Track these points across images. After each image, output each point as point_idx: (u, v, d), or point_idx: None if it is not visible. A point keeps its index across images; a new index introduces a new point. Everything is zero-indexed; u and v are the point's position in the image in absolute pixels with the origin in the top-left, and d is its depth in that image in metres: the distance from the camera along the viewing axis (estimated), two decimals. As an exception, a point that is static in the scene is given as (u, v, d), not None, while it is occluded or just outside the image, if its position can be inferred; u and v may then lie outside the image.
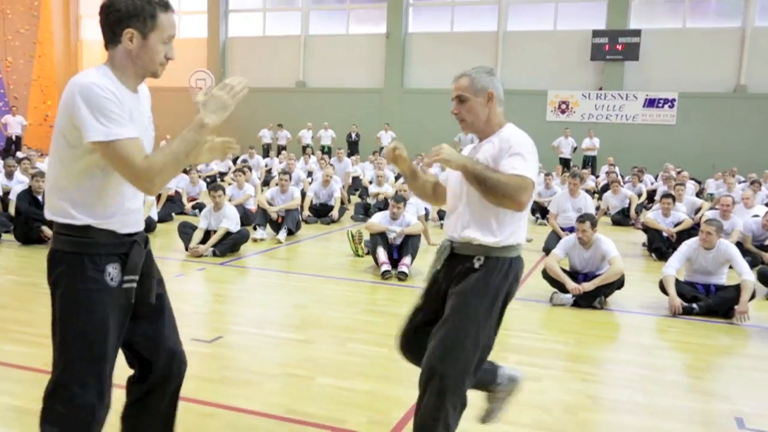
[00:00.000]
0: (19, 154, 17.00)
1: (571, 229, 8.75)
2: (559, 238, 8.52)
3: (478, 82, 2.95)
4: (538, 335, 5.38)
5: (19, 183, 10.55)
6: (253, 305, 6.15)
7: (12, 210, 9.21)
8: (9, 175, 11.13)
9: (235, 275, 7.45)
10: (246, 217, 9.62)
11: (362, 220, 11.11)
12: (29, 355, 4.59)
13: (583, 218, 6.46)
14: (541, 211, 11.87)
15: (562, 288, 6.26)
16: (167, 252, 8.47)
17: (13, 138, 21.57)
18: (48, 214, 2.49)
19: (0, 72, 25.16)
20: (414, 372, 4.38)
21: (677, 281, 6.22)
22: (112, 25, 2.50)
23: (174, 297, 5.70)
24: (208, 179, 15.42)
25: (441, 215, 11.21)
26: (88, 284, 2.44)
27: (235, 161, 19.80)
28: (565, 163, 19.27)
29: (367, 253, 8.17)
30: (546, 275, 6.41)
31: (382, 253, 7.30)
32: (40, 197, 8.85)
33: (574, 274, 6.41)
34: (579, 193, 9.47)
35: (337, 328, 5.39)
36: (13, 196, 9.44)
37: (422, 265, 7.82)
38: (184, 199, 12.05)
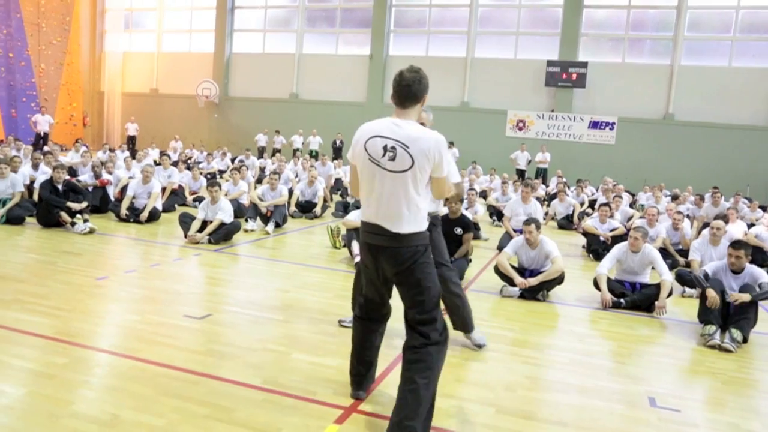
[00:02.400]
0: (45, 149, 16.69)
1: (522, 231, 8.80)
2: (511, 238, 8.57)
3: None
4: (487, 322, 5.36)
5: (43, 173, 10.35)
6: (241, 288, 6.06)
7: (36, 197, 9.03)
8: (35, 167, 10.90)
9: (227, 261, 7.34)
10: (239, 210, 9.50)
11: (341, 217, 11.05)
12: (42, 324, 4.49)
13: (529, 221, 6.46)
14: (497, 214, 11.89)
15: (510, 282, 6.25)
16: (169, 238, 8.35)
17: (42, 134, 21.20)
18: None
19: (33, 77, 24.75)
20: (379, 352, 4.35)
21: (608, 279, 6.24)
22: (423, 90, 3.17)
23: (171, 278, 5.65)
24: (208, 176, 15.25)
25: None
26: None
27: (233, 161, 19.64)
28: (521, 173, 19.33)
29: (344, 246, 8.11)
30: (497, 270, 6.39)
31: (356, 246, 7.21)
32: (59, 186, 8.69)
33: (522, 271, 6.41)
34: (530, 200, 9.48)
35: (312, 310, 5.33)
36: (37, 185, 9.26)
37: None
38: (186, 193, 11.90)
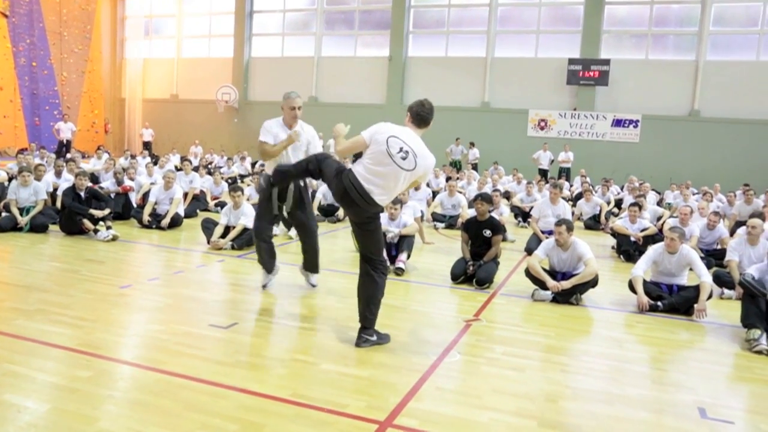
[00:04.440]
0: (68, 156, 16.79)
1: (551, 233, 8.53)
2: (539, 240, 8.34)
3: None
4: (521, 328, 5.17)
5: (66, 181, 10.36)
6: (265, 295, 5.92)
7: (59, 204, 9.02)
8: (58, 174, 10.93)
9: (250, 267, 7.22)
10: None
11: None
12: (66, 335, 4.40)
13: (560, 222, 6.25)
14: (522, 215, 11.66)
15: (542, 285, 6.04)
16: (191, 244, 8.26)
17: (64, 142, 21.37)
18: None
19: (56, 85, 25.00)
20: (408, 360, 4.20)
21: (644, 281, 6.01)
22: (430, 116, 4.37)
23: (195, 285, 5.53)
24: (229, 180, 15.20)
25: (435, 217, 10.99)
26: None
27: (253, 165, 19.60)
28: (543, 173, 19.05)
29: (369, 250, 7.96)
30: (528, 274, 6.19)
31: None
32: (82, 193, 8.65)
33: (553, 273, 6.20)
34: (559, 201, 9.24)
35: (339, 318, 5.17)
36: (60, 192, 9.25)
37: (417, 261, 7.62)
38: (208, 198, 11.83)
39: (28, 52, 23.72)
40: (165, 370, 3.83)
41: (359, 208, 4.27)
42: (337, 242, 9.17)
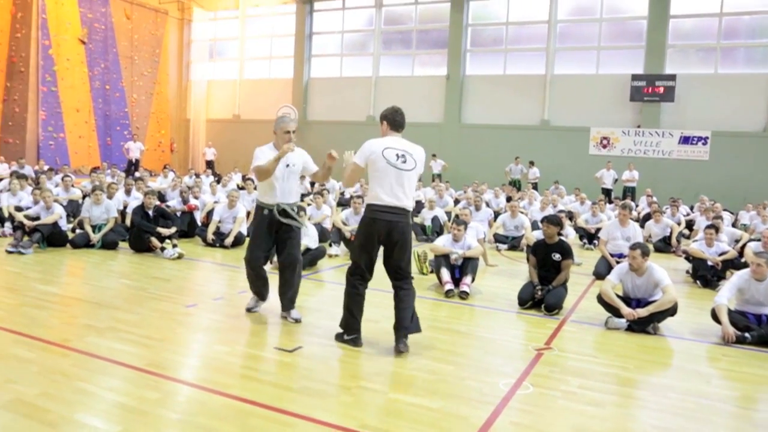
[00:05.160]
0: (137, 174, 17.35)
1: (620, 256, 8.18)
2: (608, 263, 7.98)
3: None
4: (596, 359, 4.88)
5: (135, 199, 10.63)
6: (330, 317, 5.80)
7: (128, 222, 9.24)
8: (127, 192, 11.24)
9: (313, 288, 7.17)
10: (323, 235, 9.36)
11: (424, 240, 10.73)
12: (134, 354, 4.41)
13: (635, 246, 5.91)
14: (588, 236, 11.25)
15: (616, 312, 5.72)
16: (255, 264, 8.29)
17: (133, 161, 22.15)
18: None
19: (126, 106, 26.05)
20: (478, 390, 4.00)
21: (729, 310, 5.60)
22: (404, 120, 4.84)
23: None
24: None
25: (497, 238, 10.71)
26: None
27: (312, 185, 19.74)
28: (607, 193, 18.42)
29: (431, 272, 7.79)
30: (601, 300, 5.87)
31: (445, 273, 6.90)
32: (150, 212, 8.84)
33: (627, 300, 5.87)
34: (628, 222, 8.83)
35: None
36: (129, 210, 9.48)
37: (480, 284, 7.39)
38: (271, 217, 11.91)
39: (102, 75, 24.83)
40: (232, 395, 3.76)
41: (403, 224, 4.60)
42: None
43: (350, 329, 4.83)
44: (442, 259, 7.00)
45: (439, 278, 7.00)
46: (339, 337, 4.89)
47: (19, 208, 9.54)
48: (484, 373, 4.41)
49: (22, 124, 22.44)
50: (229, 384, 3.94)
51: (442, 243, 7.19)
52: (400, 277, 4.73)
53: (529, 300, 6.31)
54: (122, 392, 3.76)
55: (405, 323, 4.67)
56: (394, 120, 4.75)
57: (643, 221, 13.17)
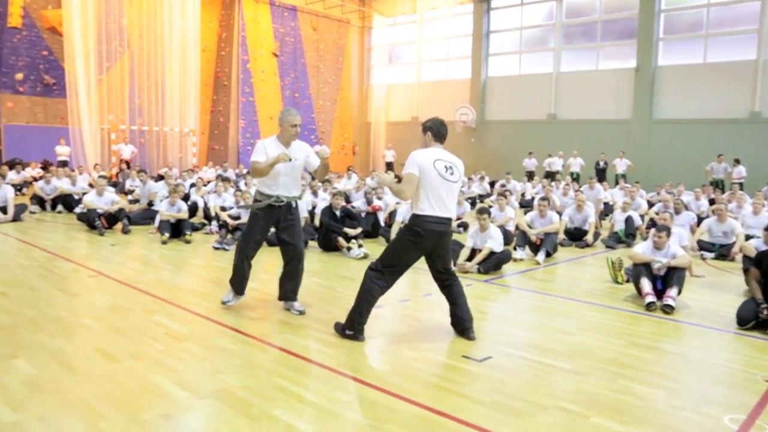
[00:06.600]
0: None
1: None
2: None
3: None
4: None
5: (322, 200, 11.15)
6: (518, 326, 5.52)
7: (317, 222, 9.69)
8: (314, 193, 11.84)
9: (498, 293, 6.90)
10: (506, 238, 9.03)
11: (613, 247, 9.93)
12: (326, 354, 4.50)
13: None
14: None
15: None
16: (437, 266, 8.21)
17: (318, 164, 23.48)
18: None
19: (313, 113, 27.81)
20: (700, 424, 3.46)
21: None
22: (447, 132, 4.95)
23: (445, 310, 5.33)
24: (469, 200, 15.14)
25: (702, 245, 9.55)
26: None
27: (492, 185, 19.40)
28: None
29: (627, 281, 7.12)
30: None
31: (646, 284, 6.22)
32: (337, 212, 9.17)
33: None
34: None
35: (604, 360, 4.56)
36: (317, 211, 9.94)
37: (687, 297, 6.59)
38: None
39: (291, 85, 26.76)
40: (421, 404, 3.64)
41: (450, 233, 4.83)
42: (585, 269, 8.42)
43: (352, 327, 4.83)
44: (642, 268, 6.33)
45: (638, 289, 6.35)
46: (341, 330, 4.91)
47: (223, 208, 10.45)
48: (704, 403, 3.83)
49: (225, 132, 24.94)
50: (418, 392, 3.84)
51: (642, 250, 6.50)
52: (446, 275, 4.97)
53: (751, 320, 5.45)
54: (316, 392, 3.81)
55: (470, 316, 4.98)
56: (438, 132, 4.81)
57: None
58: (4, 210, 11.17)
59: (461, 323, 4.94)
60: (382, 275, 4.78)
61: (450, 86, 27.43)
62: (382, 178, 4.90)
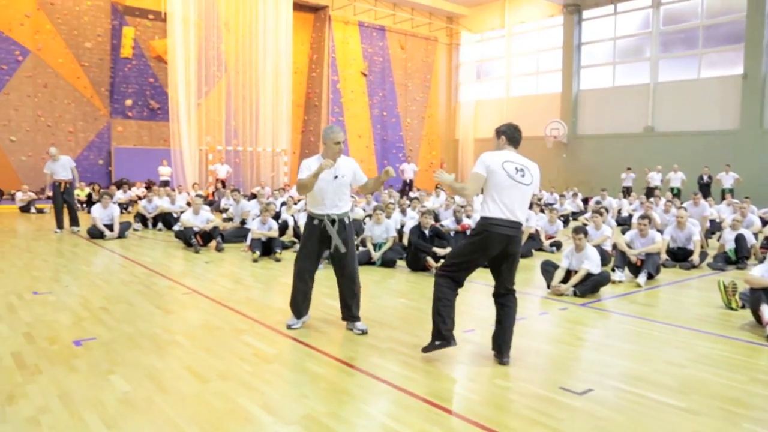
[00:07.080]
0: (411, 194, 18.27)
1: None
2: None
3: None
4: None
5: (411, 218, 11.03)
6: (620, 356, 5.09)
7: (405, 241, 9.57)
8: (403, 212, 11.74)
9: (595, 318, 6.45)
10: (603, 259, 8.51)
11: (721, 269, 9.14)
12: (412, 380, 4.31)
13: None
14: None
15: None
16: (530, 288, 7.83)
17: (407, 181, 23.52)
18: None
19: (401, 130, 27.95)
20: None
21: None
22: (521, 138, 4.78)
23: (539, 336, 4.99)
24: (562, 218, 14.53)
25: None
26: None
27: (585, 201, 18.61)
28: None
29: (742, 307, 6.47)
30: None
31: (766, 311, 5.61)
32: (426, 231, 9.00)
33: None
34: None
35: (723, 398, 4.08)
36: (406, 230, 9.82)
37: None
38: (542, 237, 11.37)
39: (380, 103, 27.03)
40: (518, 442, 3.37)
41: (519, 238, 4.62)
42: (691, 293, 7.76)
43: (440, 335, 4.67)
44: (762, 293, 5.72)
45: (758, 317, 5.73)
46: (430, 346, 4.74)
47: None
48: None
49: (316, 151, 25.49)
50: (513, 426, 3.56)
51: (761, 273, 5.88)
52: (507, 291, 4.76)
53: None
54: (403, 422, 3.62)
55: (510, 342, 4.77)
56: (512, 136, 4.72)
57: None
58: (110, 227, 11.83)
59: (497, 345, 4.78)
60: (449, 279, 4.70)
61: (540, 101, 26.73)
62: (443, 177, 4.76)
